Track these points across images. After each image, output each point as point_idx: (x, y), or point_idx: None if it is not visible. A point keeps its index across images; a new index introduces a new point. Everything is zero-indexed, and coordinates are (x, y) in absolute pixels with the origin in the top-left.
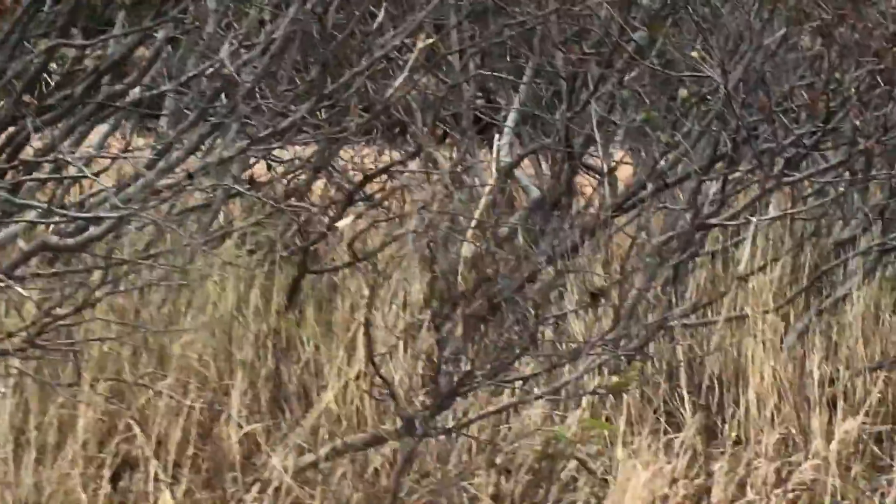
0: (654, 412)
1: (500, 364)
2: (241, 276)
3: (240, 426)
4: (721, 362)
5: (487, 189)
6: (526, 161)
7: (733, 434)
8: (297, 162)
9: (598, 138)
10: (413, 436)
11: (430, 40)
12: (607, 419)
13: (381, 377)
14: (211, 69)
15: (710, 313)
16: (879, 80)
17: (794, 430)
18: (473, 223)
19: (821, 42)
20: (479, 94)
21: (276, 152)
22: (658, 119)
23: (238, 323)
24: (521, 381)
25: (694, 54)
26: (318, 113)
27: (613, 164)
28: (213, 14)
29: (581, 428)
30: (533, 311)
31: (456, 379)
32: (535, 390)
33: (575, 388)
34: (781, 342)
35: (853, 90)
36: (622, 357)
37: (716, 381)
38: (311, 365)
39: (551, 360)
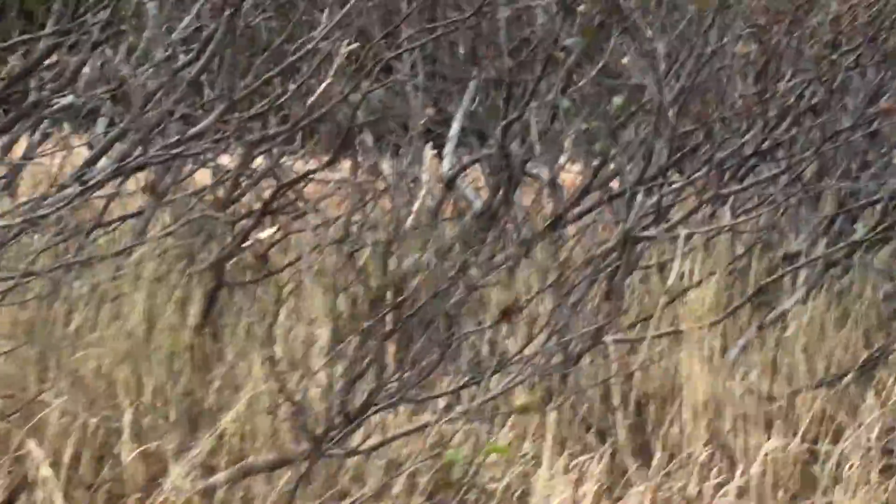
0: (588, 429)
1: (411, 382)
2: (155, 289)
3: (135, 445)
4: (658, 378)
5: (419, 200)
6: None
7: (662, 452)
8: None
9: (537, 148)
10: (320, 456)
11: (353, 46)
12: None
13: (287, 395)
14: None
15: (650, 328)
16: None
17: (731, 447)
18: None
19: (758, 49)
20: (433, 102)
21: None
22: (601, 128)
23: (150, 337)
24: (436, 399)
25: (625, 61)
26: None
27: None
28: (154, 18)
29: (485, 452)
30: (446, 327)
31: (364, 397)
32: (458, 408)
33: (484, 408)
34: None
35: (792, 99)
36: (550, 374)
37: (650, 398)
38: (227, 381)
39: (467, 378)
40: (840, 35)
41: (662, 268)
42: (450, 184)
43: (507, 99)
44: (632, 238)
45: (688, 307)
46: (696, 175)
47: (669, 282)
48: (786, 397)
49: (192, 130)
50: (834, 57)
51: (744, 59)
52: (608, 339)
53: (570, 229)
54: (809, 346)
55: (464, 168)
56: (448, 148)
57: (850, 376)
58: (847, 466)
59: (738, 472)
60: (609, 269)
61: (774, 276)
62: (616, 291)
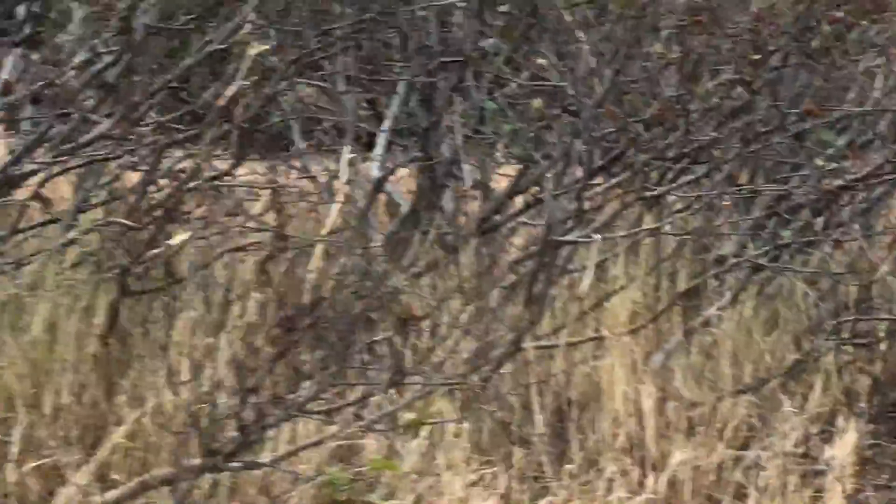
0: (509, 439)
1: (312, 392)
2: (59, 298)
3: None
4: (580, 385)
5: (337, 205)
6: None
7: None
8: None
9: (461, 151)
10: (218, 470)
11: (264, 48)
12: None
13: (183, 407)
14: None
15: (573, 334)
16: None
17: (651, 455)
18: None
19: (680, 50)
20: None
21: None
22: (523, 131)
23: (52, 348)
24: (338, 410)
25: (542, 62)
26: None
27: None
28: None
29: (372, 467)
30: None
31: (258, 409)
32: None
33: (389, 419)
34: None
35: (713, 100)
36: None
37: (574, 406)
38: (133, 392)
39: (368, 389)
40: (764, 35)
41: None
42: (378, 186)
43: (428, 101)
44: (551, 242)
45: (610, 312)
46: (619, 178)
47: (584, 286)
48: (708, 404)
49: (88, 136)
50: (757, 57)
51: (665, 60)
52: (527, 345)
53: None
54: (737, 351)
55: (392, 170)
56: (378, 150)
57: (773, 382)
58: (766, 473)
59: (652, 481)
60: (529, 274)
61: (696, 281)
62: (538, 296)
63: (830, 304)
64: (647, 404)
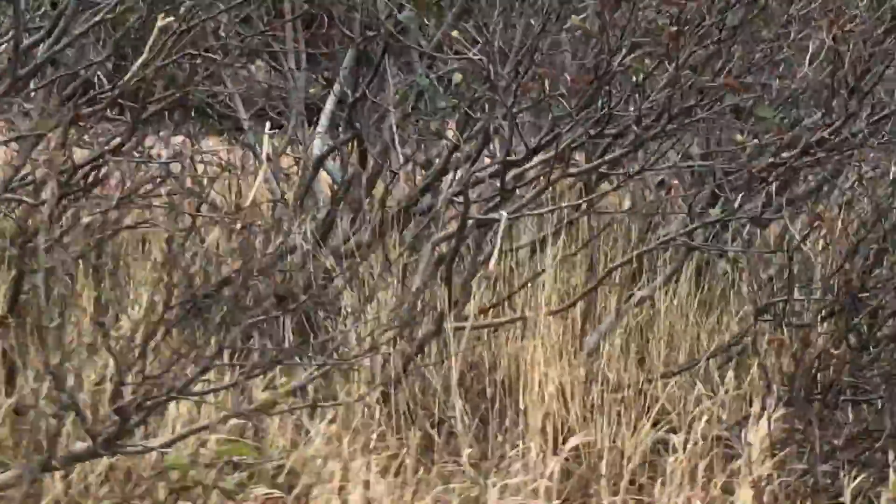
0: (430, 422)
1: (190, 377)
2: None
3: None
4: (506, 367)
5: (258, 180)
6: None
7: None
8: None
9: (394, 130)
10: (97, 455)
11: (169, 19)
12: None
13: (63, 392)
14: None
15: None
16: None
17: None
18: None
19: (597, 22)
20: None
21: None
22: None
23: None
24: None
25: (455, 34)
26: None
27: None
28: None
29: (221, 454)
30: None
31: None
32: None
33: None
34: (581, 345)
35: (635, 76)
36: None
37: (498, 388)
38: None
39: (245, 372)
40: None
41: (534, 251)
42: (318, 165)
43: (356, 78)
44: (471, 220)
45: (538, 293)
46: (547, 156)
47: (490, 266)
48: (634, 385)
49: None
50: (675, 29)
51: (580, 33)
52: (448, 325)
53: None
54: (674, 332)
55: (333, 148)
56: (320, 127)
57: (702, 363)
58: (680, 457)
59: (552, 462)
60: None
61: (623, 261)
62: (466, 276)
63: (764, 283)
64: (571, 386)
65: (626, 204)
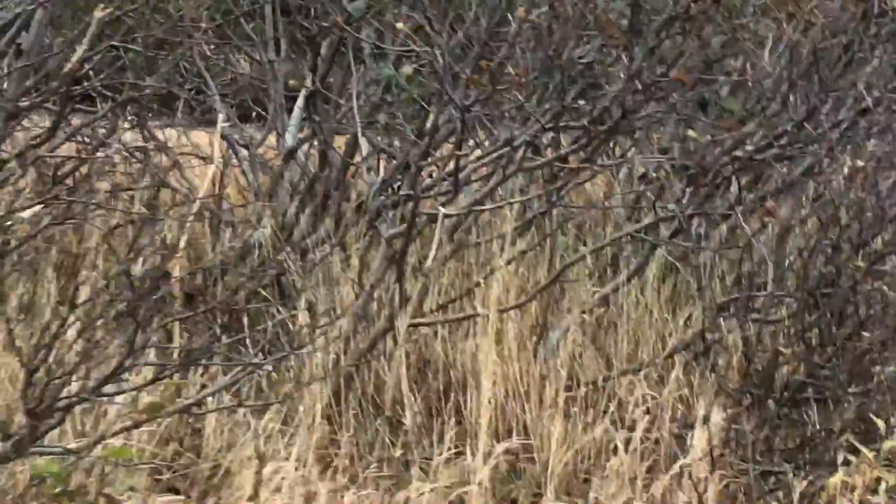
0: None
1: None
2: None
3: None
4: (461, 366)
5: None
6: None
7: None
8: None
9: (358, 120)
10: (7, 460)
11: (108, 10)
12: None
13: None
14: None
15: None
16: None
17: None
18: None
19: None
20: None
21: None
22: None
23: None
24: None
25: (399, 26)
26: None
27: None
28: None
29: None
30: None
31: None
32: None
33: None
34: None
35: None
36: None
37: (452, 386)
38: None
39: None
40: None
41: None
42: (288, 157)
43: (313, 69)
44: (417, 215)
45: (493, 289)
46: (496, 150)
47: (428, 263)
48: (589, 384)
49: None
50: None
51: (528, 26)
52: (400, 323)
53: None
54: (639, 329)
55: (303, 141)
56: (293, 119)
57: (659, 361)
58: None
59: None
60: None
61: (576, 258)
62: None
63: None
64: (525, 384)
65: (601, 196)
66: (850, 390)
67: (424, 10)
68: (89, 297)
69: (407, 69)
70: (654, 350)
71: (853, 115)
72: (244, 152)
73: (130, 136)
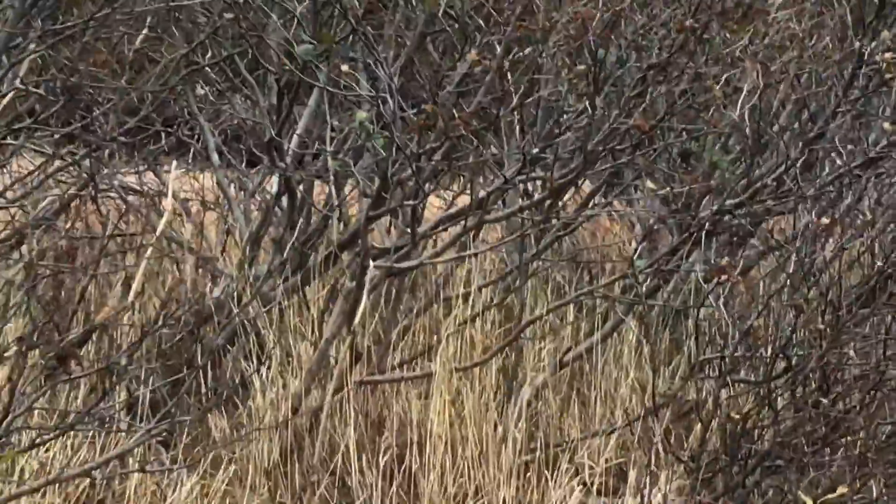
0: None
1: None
2: None
3: None
4: (416, 426)
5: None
6: None
7: None
8: None
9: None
10: None
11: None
12: None
13: None
14: None
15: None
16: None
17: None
18: None
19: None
20: None
21: None
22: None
23: None
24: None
25: (345, 69)
26: None
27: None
28: None
29: None
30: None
31: None
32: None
33: None
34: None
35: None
36: None
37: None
38: None
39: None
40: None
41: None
42: (273, 204)
43: (278, 112)
44: (368, 268)
45: (461, 346)
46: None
47: (355, 320)
48: (548, 448)
49: None
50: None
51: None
52: (351, 381)
53: None
54: (612, 385)
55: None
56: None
57: (619, 427)
58: None
59: None
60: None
61: (533, 318)
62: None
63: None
64: (480, 448)
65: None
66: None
67: (373, 52)
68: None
69: (361, 114)
70: (629, 411)
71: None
72: (240, 195)
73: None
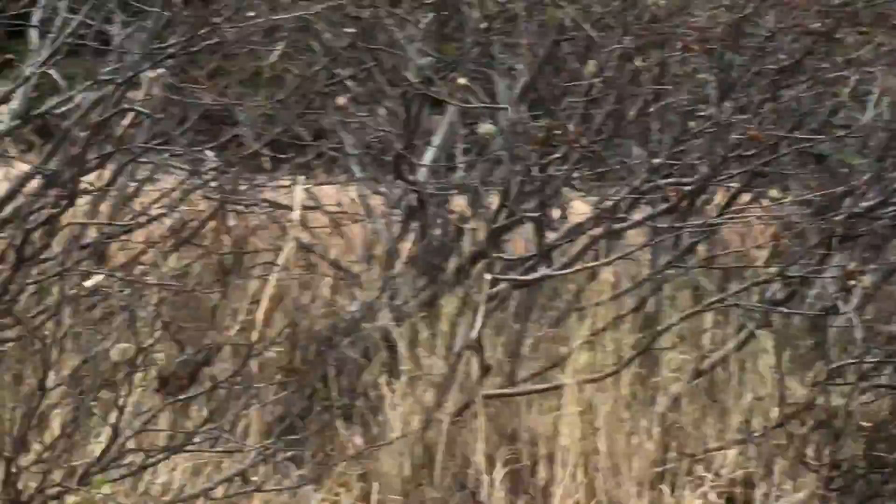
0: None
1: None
2: None
3: None
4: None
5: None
6: None
7: None
8: None
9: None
10: None
11: None
12: None
13: None
14: None
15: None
16: None
17: None
18: None
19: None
20: None
21: None
22: None
23: None
24: None
25: (462, 81)
26: None
27: None
28: None
29: None
30: None
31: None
32: None
33: None
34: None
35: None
36: None
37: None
38: None
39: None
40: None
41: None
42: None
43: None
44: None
45: (578, 359)
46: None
47: (472, 335)
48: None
49: None
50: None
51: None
52: (479, 394)
53: None
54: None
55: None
56: (420, 177)
57: (756, 437)
58: None
59: None
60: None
61: (668, 324)
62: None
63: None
64: (608, 461)
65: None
66: None
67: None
68: (59, 381)
69: (487, 127)
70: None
71: None
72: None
73: None
